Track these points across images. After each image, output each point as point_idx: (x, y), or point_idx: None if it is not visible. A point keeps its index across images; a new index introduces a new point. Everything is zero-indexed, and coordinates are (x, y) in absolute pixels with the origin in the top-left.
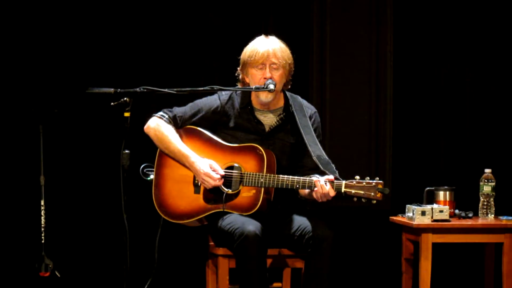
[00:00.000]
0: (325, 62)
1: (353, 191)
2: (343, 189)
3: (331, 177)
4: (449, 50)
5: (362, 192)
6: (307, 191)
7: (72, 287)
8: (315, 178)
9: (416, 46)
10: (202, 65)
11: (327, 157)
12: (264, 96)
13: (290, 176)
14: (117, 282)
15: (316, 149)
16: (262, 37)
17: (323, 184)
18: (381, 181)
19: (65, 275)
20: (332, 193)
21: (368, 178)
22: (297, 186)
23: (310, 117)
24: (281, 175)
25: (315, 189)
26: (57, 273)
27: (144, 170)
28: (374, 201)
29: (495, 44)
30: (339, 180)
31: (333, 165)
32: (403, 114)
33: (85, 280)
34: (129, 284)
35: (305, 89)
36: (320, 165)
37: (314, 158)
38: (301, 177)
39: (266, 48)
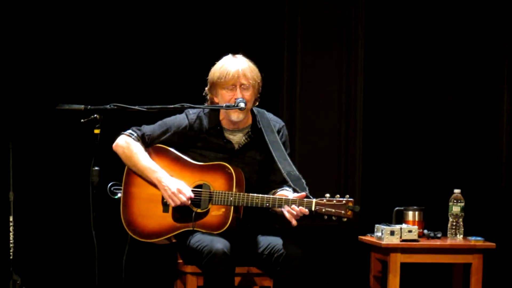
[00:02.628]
0: (295, 79)
1: (323, 209)
2: (313, 207)
3: (302, 194)
4: (420, 69)
5: (332, 210)
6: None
7: None
8: (286, 198)
9: (387, 64)
10: (173, 83)
11: (297, 173)
12: (236, 116)
13: (260, 195)
14: None
15: (286, 165)
16: (230, 56)
17: (294, 207)
18: (351, 199)
19: None
20: (304, 211)
21: (338, 196)
22: (267, 204)
23: (278, 131)
24: (250, 194)
25: (285, 209)
26: None
27: (112, 189)
28: (345, 219)
29: (468, 63)
30: (310, 197)
31: (304, 181)
32: (373, 134)
33: None
34: None
35: (275, 106)
36: (290, 182)
37: (284, 174)
38: (271, 196)
39: (236, 69)
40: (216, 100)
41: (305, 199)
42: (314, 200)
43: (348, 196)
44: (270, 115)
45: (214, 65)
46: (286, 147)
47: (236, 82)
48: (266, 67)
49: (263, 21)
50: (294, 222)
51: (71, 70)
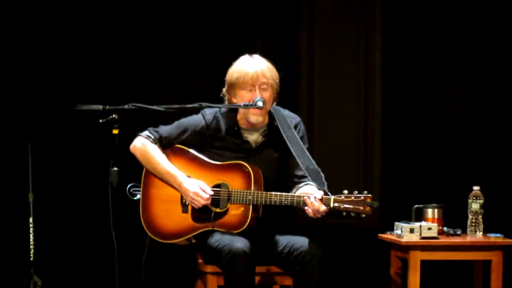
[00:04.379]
0: (313, 78)
1: (341, 206)
2: (331, 204)
3: (319, 195)
4: (439, 67)
5: (351, 206)
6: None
7: None
8: (305, 196)
9: (405, 63)
10: (190, 82)
11: (316, 167)
12: (255, 119)
13: (278, 193)
14: None
15: (305, 160)
16: (247, 57)
17: (313, 201)
18: (369, 195)
19: None
20: (323, 208)
21: (356, 192)
22: (286, 202)
23: (295, 127)
24: (269, 192)
25: (306, 207)
26: None
27: (131, 190)
28: (363, 215)
29: (497, 57)
30: (328, 195)
31: (323, 175)
32: (391, 131)
33: None
34: None
35: (293, 104)
36: (309, 177)
37: (304, 169)
38: (289, 194)
39: (255, 69)
40: (234, 101)
41: (324, 196)
42: (332, 197)
43: (366, 192)
44: (286, 112)
45: (231, 65)
46: (304, 142)
47: (255, 82)
48: (284, 67)
49: (280, 20)
50: (313, 217)
51: (89, 70)
